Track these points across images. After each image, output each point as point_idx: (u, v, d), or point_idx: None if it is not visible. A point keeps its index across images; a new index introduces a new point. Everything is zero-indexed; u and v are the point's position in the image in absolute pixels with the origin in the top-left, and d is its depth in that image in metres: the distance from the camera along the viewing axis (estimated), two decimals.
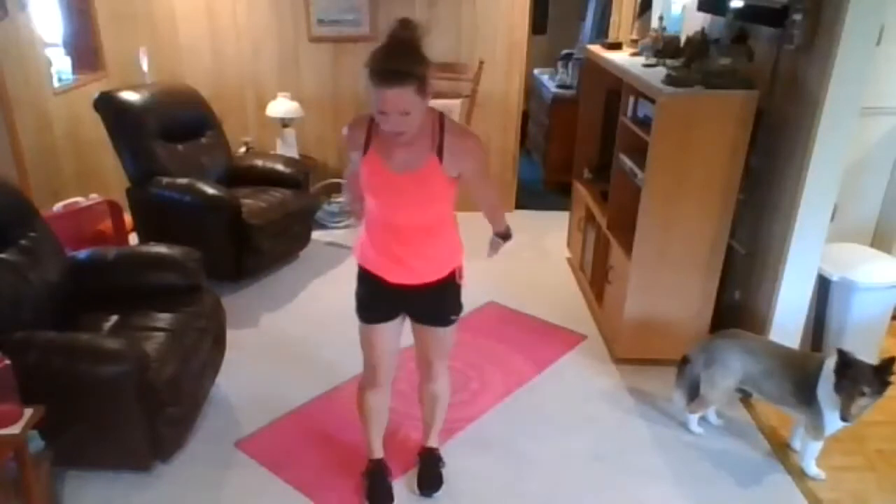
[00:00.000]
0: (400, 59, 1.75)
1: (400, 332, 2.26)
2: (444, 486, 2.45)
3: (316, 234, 4.54)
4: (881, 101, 3.20)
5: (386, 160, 1.93)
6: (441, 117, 1.94)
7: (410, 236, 2.04)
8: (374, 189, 1.99)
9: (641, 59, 3.39)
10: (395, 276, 2.09)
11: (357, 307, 2.19)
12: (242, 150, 4.87)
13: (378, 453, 2.45)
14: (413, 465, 2.54)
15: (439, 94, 4.69)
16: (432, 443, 2.52)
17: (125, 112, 3.77)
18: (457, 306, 2.21)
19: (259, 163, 4.37)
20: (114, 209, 3.77)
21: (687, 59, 3.10)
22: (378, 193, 1.99)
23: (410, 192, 1.95)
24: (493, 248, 2.38)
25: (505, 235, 2.36)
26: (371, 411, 2.35)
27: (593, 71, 3.88)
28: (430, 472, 2.46)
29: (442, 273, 2.11)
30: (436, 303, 2.17)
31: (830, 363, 2.38)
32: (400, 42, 1.79)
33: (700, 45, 3.09)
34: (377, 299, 2.16)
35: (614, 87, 3.52)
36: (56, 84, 3.87)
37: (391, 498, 2.39)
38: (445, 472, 2.50)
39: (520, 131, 5.13)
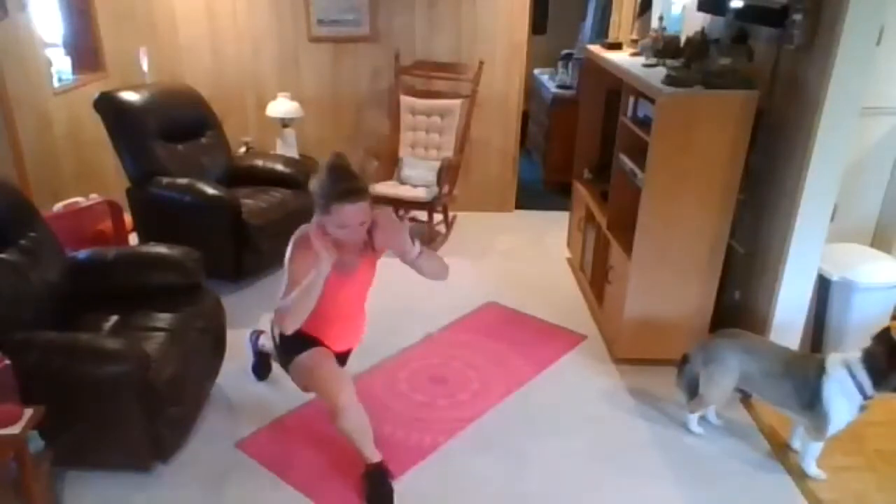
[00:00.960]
0: (355, 179, 2.13)
1: None
2: (444, 486, 2.45)
3: None
4: (881, 101, 3.20)
5: (334, 266, 2.17)
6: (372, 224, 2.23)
7: (348, 314, 2.48)
8: (328, 284, 2.20)
9: (641, 59, 3.39)
10: (338, 345, 2.48)
11: (298, 349, 2.38)
12: (242, 150, 4.87)
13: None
14: (412, 466, 2.55)
15: (439, 94, 4.72)
16: (377, 458, 2.44)
17: (125, 112, 3.77)
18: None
19: (259, 163, 4.37)
20: (114, 209, 3.77)
21: (687, 59, 3.10)
22: (330, 285, 2.21)
23: (353, 285, 2.37)
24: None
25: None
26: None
27: (593, 71, 3.88)
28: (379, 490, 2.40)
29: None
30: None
31: (833, 363, 2.38)
32: (344, 168, 2.16)
33: (700, 45, 3.09)
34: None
35: (614, 87, 3.52)
36: (56, 84, 3.87)
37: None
38: (446, 471, 2.50)
39: (520, 131, 5.13)
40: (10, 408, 2.00)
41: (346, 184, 2.09)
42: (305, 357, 2.37)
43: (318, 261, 2.11)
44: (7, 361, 2.03)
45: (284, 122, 4.77)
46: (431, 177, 4.43)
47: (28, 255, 2.59)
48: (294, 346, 2.38)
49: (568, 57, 6.07)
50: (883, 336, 2.35)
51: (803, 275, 2.86)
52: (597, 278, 3.67)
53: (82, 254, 2.92)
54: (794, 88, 2.75)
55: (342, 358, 2.56)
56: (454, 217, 4.85)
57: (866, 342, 2.40)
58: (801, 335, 2.99)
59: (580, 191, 4.04)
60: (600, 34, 5.64)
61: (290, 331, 2.17)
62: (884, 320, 3.06)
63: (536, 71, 6.53)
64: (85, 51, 4.23)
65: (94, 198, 3.72)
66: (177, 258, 2.89)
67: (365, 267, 2.36)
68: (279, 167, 4.31)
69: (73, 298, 2.72)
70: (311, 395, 2.97)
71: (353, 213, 2.08)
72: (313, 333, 2.39)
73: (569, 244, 4.42)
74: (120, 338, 2.42)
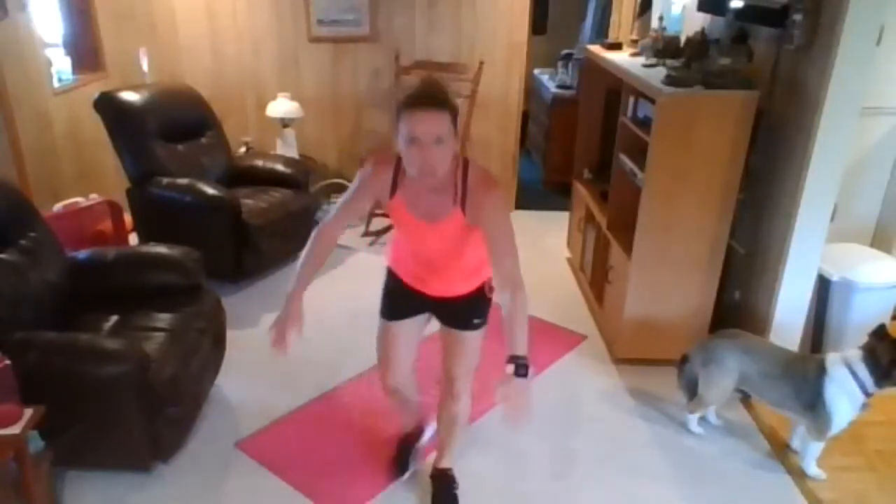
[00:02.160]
0: (437, 90, 1.77)
1: (420, 332, 2.29)
2: None
3: None
4: (881, 101, 3.20)
5: (411, 209, 1.92)
6: (465, 166, 1.89)
7: (436, 265, 2.07)
8: (401, 227, 2.06)
9: (641, 59, 3.39)
10: (423, 288, 2.15)
11: (382, 302, 2.24)
12: (242, 150, 4.87)
13: (407, 428, 2.61)
14: (423, 457, 2.55)
15: None
16: (446, 464, 2.43)
17: (125, 112, 3.77)
18: (482, 314, 2.15)
19: (259, 163, 4.37)
20: (114, 209, 3.77)
21: (687, 59, 3.10)
22: (404, 231, 2.06)
23: (435, 237, 1.97)
24: (508, 389, 1.61)
25: (519, 362, 1.63)
26: (393, 401, 2.48)
27: (593, 71, 3.88)
28: (444, 495, 2.40)
29: (469, 289, 2.11)
30: (461, 309, 2.15)
31: (833, 362, 2.38)
32: (433, 81, 1.83)
33: (700, 45, 3.09)
34: (402, 299, 2.20)
35: (614, 87, 3.52)
36: (56, 84, 3.87)
37: (402, 468, 2.52)
38: None
39: (520, 131, 5.13)
40: (10, 408, 2.00)
41: (425, 90, 1.76)
42: (379, 324, 2.27)
43: (368, 187, 1.93)
44: (7, 361, 2.03)
45: (284, 122, 4.77)
46: None
47: (28, 255, 2.59)
48: (385, 283, 2.24)
49: (568, 57, 6.07)
50: (881, 332, 2.36)
51: (803, 275, 2.86)
52: (597, 278, 3.67)
53: (82, 254, 2.92)
54: (794, 88, 2.75)
55: (437, 304, 2.17)
56: None
57: (864, 340, 2.40)
58: (801, 335, 2.99)
59: (580, 191, 4.04)
60: (600, 34, 5.64)
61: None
62: (884, 320, 3.06)
63: (536, 71, 6.53)
64: (85, 51, 4.23)
65: (94, 198, 3.72)
66: (177, 258, 2.89)
67: (453, 220, 1.90)
68: (279, 167, 4.31)
69: (73, 298, 2.72)
70: (310, 396, 2.97)
71: (420, 120, 1.71)
72: (399, 268, 2.18)
73: (569, 244, 4.42)
74: (120, 338, 2.42)
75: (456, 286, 2.11)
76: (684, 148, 2.78)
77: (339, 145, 5.15)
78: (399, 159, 1.86)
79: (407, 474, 2.52)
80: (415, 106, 1.72)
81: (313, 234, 1.99)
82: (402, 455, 2.57)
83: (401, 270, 2.17)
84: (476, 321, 2.15)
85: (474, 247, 1.95)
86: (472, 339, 2.19)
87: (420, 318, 2.24)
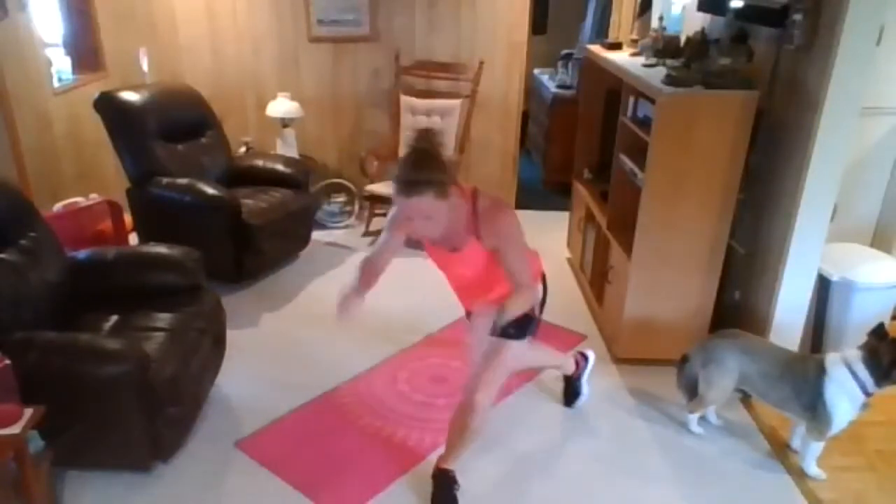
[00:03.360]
0: (418, 170, 1.93)
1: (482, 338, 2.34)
2: None
3: (316, 235, 4.54)
4: (881, 101, 3.20)
5: (434, 242, 2.20)
6: (475, 198, 2.11)
7: (470, 287, 2.36)
8: (432, 258, 2.30)
9: (641, 59, 3.39)
10: (467, 307, 2.53)
11: None
12: (242, 150, 4.87)
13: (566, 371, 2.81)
14: (413, 466, 2.55)
15: (439, 94, 4.72)
16: (448, 464, 2.39)
17: (125, 112, 3.77)
18: (518, 325, 2.20)
19: (259, 163, 4.37)
20: (114, 209, 3.77)
21: (687, 59, 3.10)
22: (435, 262, 2.31)
23: (461, 265, 2.23)
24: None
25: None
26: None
27: (593, 71, 3.88)
28: (444, 495, 2.37)
29: (499, 302, 2.15)
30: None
31: (832, 363, 2.38)
32: (418, 152, 1.98)
33: (700, 45, 3.09)
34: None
35: (614, 87, 3.52)
36: (56, 84, 3.87)
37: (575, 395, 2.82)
38: None
39: (520, 131, 5.13)
40: (10, 408, 2.00)
41: (406, 174, 1.94)
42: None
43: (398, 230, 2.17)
44: (7, 361, 2.03)
45: (284, 122, 4.77)
46: None
47: (28, 255, 2.59)
48: None
49: (568, 57, 6.07)
50: (880, 331, 2.35)
51: (803, 275, 2.86)
52: (597, 278, 3.67)
53: (82, 254, 2.92)
54: (794, 88, 2.75)
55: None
56: None
57: (863, 340, 2.40)
58: (801, 335, 2.99)
59: (580, 191, 4.04)
60: (600, 34, 5.64)
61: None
62: (884, 320, 3.06)
63: (536, 71, 6.53)
64: (85, 51, 4.23)
65: (94, 198, 3.72)
66: (177, 258, 2.89)
67: (472, 248, 2.14)
68: (279, 167, 4.31)
69: (73, 298, 2.72)
70: (311, 395, 2.98)
71: (407, 205, 1.96)
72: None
73: (569, 244, 4.42)
74: (120, 338, 2.42)
75: (484, 303, 2.35)
76: (684, 148, 2.78)
77: (339, 145, 5.15)
78: None
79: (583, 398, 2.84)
80: (399, 192, 1.94)
81: (360, 264, 2.22)
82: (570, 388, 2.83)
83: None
84: (511, 331, 2.22)
85: (496, 272, 2.18)
86: (503, 349, 2.28)
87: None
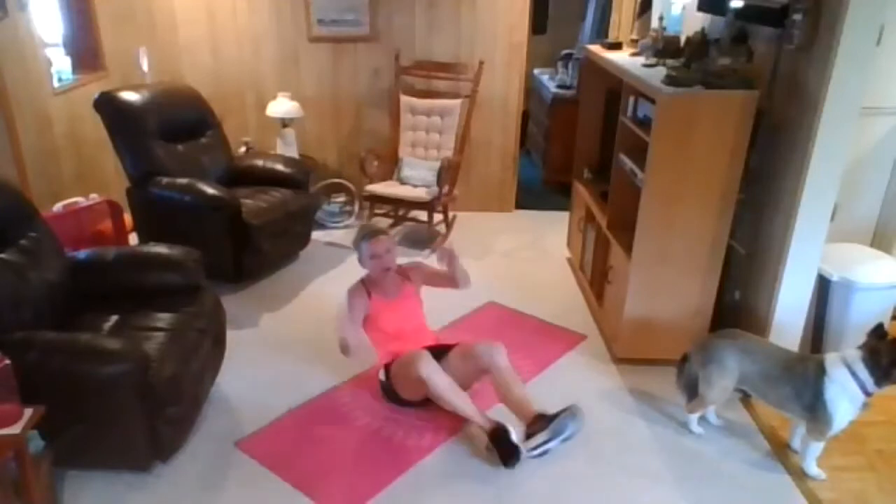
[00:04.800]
0: (373, 228, 2.94)
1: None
2: (444, 487, 2.46)
3: (316, 234, 4.54)
4: (881, 101, 3.20)
5: (382, 295, 2.92)
6: (399, 266, 3.00)
7: (410, 335, 2.92)
8: (383, 317, 2.90)
9: (641, 59, 3.39)
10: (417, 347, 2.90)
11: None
12: (242, 150, 4.87)
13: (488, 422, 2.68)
14: (412, 465, 2.55)
15: (439, 94, 4.72)
16: (536, 408, 2.67)
17: (125, 112, 3.77)
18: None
19: (259, 163, 4.37)
20: (114, 209, 3.77)
21: (687, 59, 3.10)
22: (385, 318, 2.90)
23: (404, 307, 2.96)
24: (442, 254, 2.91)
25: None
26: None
27: (593, 71, 3.88)
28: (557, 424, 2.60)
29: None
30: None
31: (832, 363, 2.38)
32: (367, 224, 3.24)
33: (700, 45, 3.09)
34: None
35: (614, 87, 3.52)
36: (56, 84, 3.87)
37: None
38: (446, 471, 2.51)
39: (520, 131, 5.13)
40: (10, 408, 2.00)
41: (365, 230, 2.92)
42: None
43: (358, 302, 2.89)
44: (7, 361, 2.03)
45: (284, 122, 4.77)
46: (431, 177, 4.43)
47: (28, 255, 2.59)
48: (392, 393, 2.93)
49: (568, 57, 6.07)
50: (880, 331, 2.35)
51: (803, 275, 2.86)
52: (597, 278, 3.67)
53: (82, 254, 2.92)
54: (794, 88, 2.75)
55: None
56: (454, 217, 4.85)
57: (863, 340, 2.40)
58: (801, 335, 2.99)
59: (580, 191, 4.04)
60: (600, 34, 5.64)
61: (344, 352, 2.72)
62: (884, 320, 3.06)
63: (536, 71, 6.53)
64: (85, 51, 4.23)
65: (94, 198, 3.72)
66: (177, 258, 2.89)
67: (408, 293, 2.99)
68: (279, 167, 4.31)
69: (73, 298, 2.72)
70: (311, 395, 2.97)
71: (373, 246, 2.82)
72: (394, 358, 2.87)
73: (569, 244, 4.42)
74: (120, 338, 2.42)
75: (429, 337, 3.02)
76: (684, 148, 2.78)
77: (339, 145, 5.15)
78: (363, 282, 2.93)
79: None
80: (366, 239, 2.84)
81: (347, 342, 2.74)
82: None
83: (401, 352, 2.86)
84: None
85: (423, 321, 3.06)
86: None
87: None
